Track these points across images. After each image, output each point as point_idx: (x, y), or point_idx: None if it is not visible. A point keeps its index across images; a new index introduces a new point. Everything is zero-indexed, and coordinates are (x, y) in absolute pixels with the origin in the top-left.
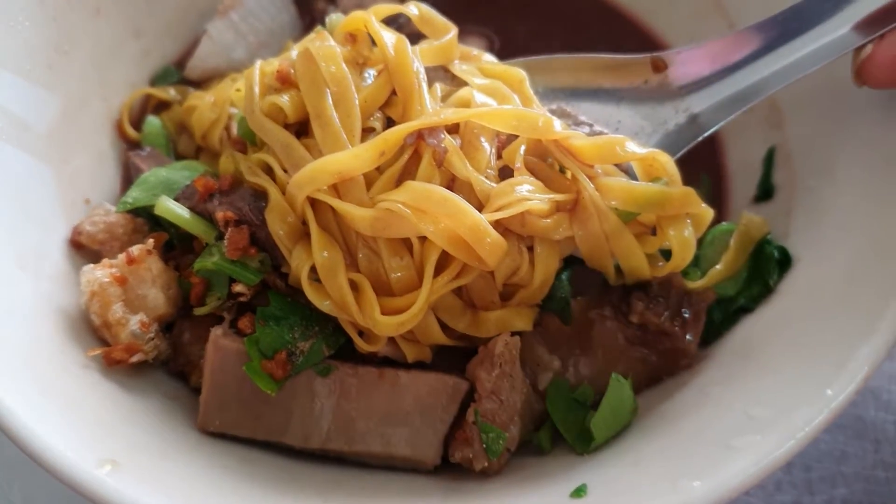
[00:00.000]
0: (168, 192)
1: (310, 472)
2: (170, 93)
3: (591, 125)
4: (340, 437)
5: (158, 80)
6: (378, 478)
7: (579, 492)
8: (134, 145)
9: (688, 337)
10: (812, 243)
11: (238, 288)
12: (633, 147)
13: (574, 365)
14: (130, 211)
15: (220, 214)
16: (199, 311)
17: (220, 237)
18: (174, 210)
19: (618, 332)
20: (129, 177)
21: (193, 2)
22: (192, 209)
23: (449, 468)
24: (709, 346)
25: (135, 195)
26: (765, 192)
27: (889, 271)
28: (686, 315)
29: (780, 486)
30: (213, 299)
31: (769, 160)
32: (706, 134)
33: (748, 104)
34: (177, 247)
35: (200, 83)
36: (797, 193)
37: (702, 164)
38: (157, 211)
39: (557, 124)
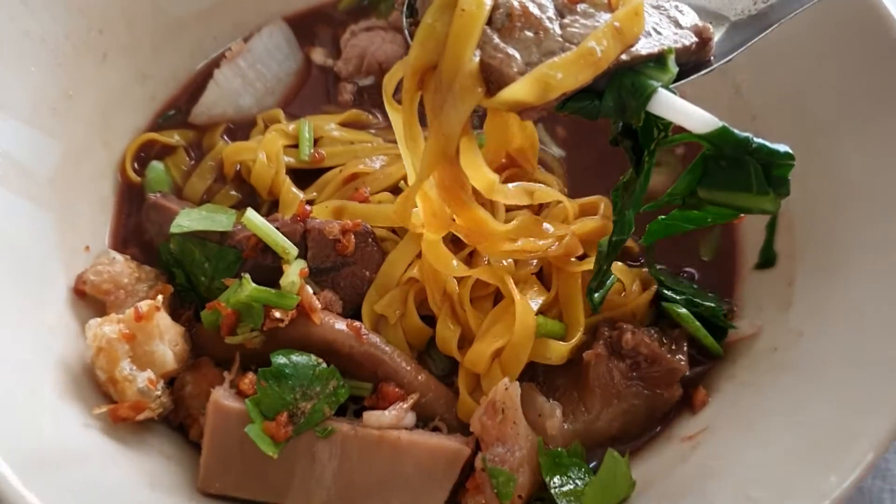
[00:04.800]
0: (214, 224)
1: None
2: (174, 138)
3: None
4: (341, 501)
5: (163, 125)
6: None
7: None
8: (136, 191)
9: (678, 357)
10: (815, 317)
11: (277, 314)
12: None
13: (574, 411)
14: (137, 258)
15: (339, 228)
16: (231, 341)
17: (302, 256)
18: (261, 223)
19: (613, 370)
20: (125, 221)
21: (200, 47)
22: (278, 228)
23: None
24: (708, 416)
25: (186, 223)
26: (766, 260)
27: (892, 355)
28: (671, 336)
29: None
30: (246, 330)
31: (771, 227)
32: (771, 29)
33: None
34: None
35: (206, 129)
36: (798, 263)
37: None
38: (245, 222)
39: None
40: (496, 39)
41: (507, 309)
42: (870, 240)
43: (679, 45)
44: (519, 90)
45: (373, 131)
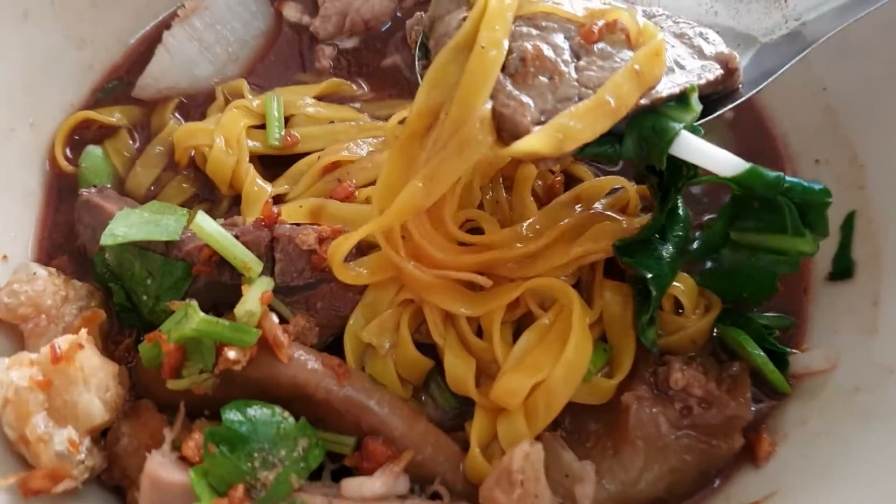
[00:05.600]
0: (158, 231)
1: None
2: (115, 116)
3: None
4: None
5: (102, 100)
6: None
7: None
8: (68, 183)
9: (740, 400)
10: None
11: (232, 354)
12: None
13: (610, 468)
14: (66, 270)
15: (315, 235)
16: (174, 385)
17: (269, 271)
18: (215, 230)
19: (659, 416)
20: (53, 222)
21: (149, 4)
22: (237, 237)
23: None
24: (775, 471)
25: (122, 230)
26: (842, 270)
27: None
28: (730, 373)
29: None
30: (194, 370)
31: (847, 228)
32: (808, 49)
33: (866, 10)
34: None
35: (154, 105)
36: (884, 276)
37: None
38: (195, 229)
39: None
40: (509, 86)
41: (544, 332)
42: None
43: (703, 82)
44: (534, 143)
45: (357, 105)
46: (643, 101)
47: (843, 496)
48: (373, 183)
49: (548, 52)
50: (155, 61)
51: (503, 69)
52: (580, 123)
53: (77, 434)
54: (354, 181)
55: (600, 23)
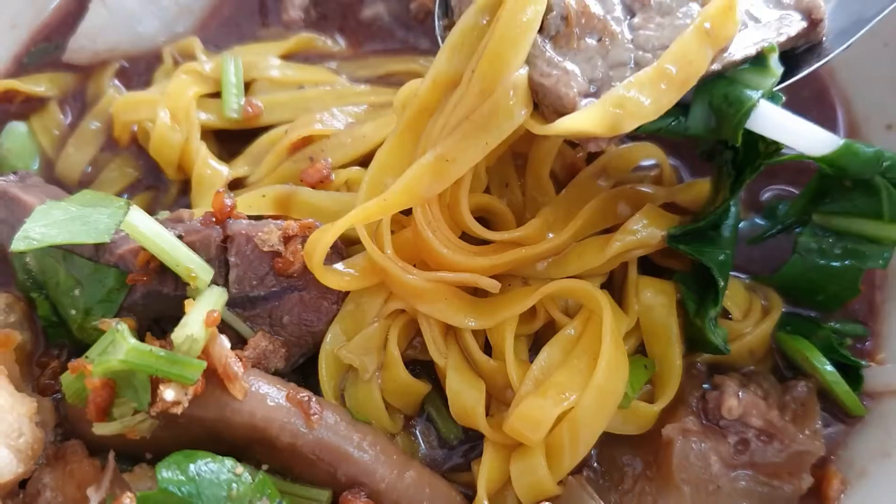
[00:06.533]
0: (86, 231)
1: None
2: (42, 86)
3: None
4: None
5: (27, 66)
6: None
7: None
8: None
9: (806, 432)
10: None
11: (170, 394)
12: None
13: None
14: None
15: (279, 233)
16: (101, 430)
17: (222, 279)
18: (152, 230)
19: (709, 454)
20: None
21: None
22: (181, 236)
23: None
24: None
25: (38, 232)
26: None
27: None
28: (795, 395)
29: None
30: (126, 410)
31: None
32: None
33: None
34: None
35: (89, 71)
36: None
37: None
38: (126, 228)
39: None
40: (549, 51)
41: (569, 346)
42: None
43: (783, 38)
44: (585, 120)
45: (333, 66)
46: (714, 67)
47: None
48: (353, 163)
49: (595, 8)
50: (89, 18)
51: (541, 30)
52: (643, 96)
53: None
54: (330, 160)
55: None
